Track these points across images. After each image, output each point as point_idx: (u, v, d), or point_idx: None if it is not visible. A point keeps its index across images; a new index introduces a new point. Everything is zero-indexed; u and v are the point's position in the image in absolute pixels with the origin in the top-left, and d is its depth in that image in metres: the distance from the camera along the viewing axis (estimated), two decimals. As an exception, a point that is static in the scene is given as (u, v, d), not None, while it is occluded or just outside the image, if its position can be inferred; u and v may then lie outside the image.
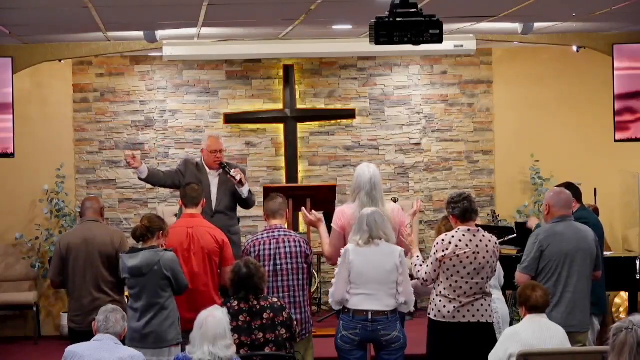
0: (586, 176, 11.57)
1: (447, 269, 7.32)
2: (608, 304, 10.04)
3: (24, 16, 8.39)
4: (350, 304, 7.23)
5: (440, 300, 7.34)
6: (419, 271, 7.44)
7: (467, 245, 7.32)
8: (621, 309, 10.60)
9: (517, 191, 12.31)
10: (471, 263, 7.31)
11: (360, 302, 7.21)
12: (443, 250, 7.33)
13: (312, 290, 10.91)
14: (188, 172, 9.34)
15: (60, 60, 11.25)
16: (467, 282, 7.31)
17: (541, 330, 6.64)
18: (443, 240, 7.38)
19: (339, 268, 7.26)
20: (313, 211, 8.11)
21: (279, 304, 7.07)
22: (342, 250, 7.29)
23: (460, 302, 7.30)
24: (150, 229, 7.52)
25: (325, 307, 11.78)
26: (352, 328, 7.21)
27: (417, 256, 7.55)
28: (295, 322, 7.17)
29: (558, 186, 8.14)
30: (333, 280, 7.33)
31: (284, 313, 7.02)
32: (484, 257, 7.34)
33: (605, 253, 8.90)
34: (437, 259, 7.34)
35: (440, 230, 8.12)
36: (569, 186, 8.28)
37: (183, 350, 7.13)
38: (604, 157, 12.09)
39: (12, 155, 10.18)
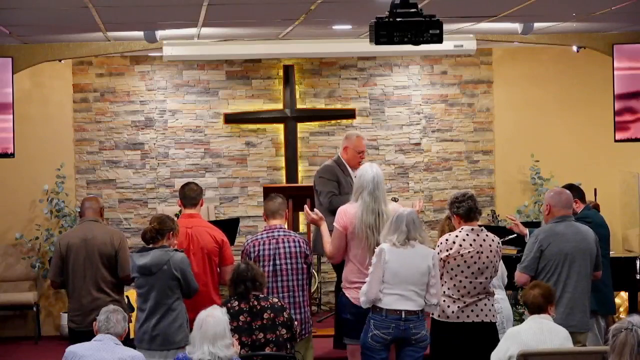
0: (586, 176, 11.58)
1: (451, 269, 7.31)
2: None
3: (24, 16, 8.39)
4: (383, 303, 7.17)
5: (444, 301, 7.33)
6: None
7: (470, 245, 7.31)
8: (621, 309, 10.60)
9: (517, 191, 12.31)
10: (475, 262, 7.30)
11: (394, 302, 7.15)
12: (447, 250, 7.32)
13: (312, 290, 10.91)
14: (339, 178, 9.31)
15: (60, 60, 11.25)
16: (470, 282, 7.30)
17: (542, 332, 6.63)
18: (447, 240, 7.37)
19: (374, 267, 7.19)
20: (315, 210, 8.11)
21: (280, 304, 7.07)
22: (377, 250, 7.22)
23: (465, 302, 7.30)
24: (160, 232, 7.49)
25: (325, 308, 11.78)
26: (385, 327, 7.16)
27: None
28: (295, 323, 7.17)
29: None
30: (367, 279, 7.25)
31: (284, 313, 7.02)
32: (487, 257, 7.34)
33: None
34: (441, 259, 7.33)
35: (444, 229, 8.12)
36: (571, 187, 8.29)
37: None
38: (604, 157, 12.10)
39: (12, 155, 10.18)
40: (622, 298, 10.64)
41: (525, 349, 6.49)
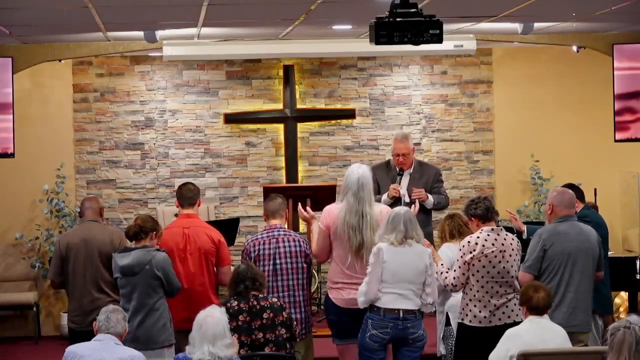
0: (586, 176, 11.57)
1: (477, 271, 7.30)
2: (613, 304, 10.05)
3: (24, 16, 8.39)
4: (381, 302, 7.18)
5: (475, 306, 7.31)
6: (446, 278, 7.42)
7: (493, 245, 7.31)
8: (621, 309, 10.60)
9: (517, 191, 12.31)
10: (499, 262, 7.30)
11: (392, 301, 7.17)
12: (471, 252, 7.31)
13: (312, 290, 10.90)
14: (377, 178, 8.93)
15: (60, 60, 11.25)
16: (497, 282, 7.30)
17: (542, 331, 6.63)
18: (469, 242, 7.35)
19: (372, 267, 7.20)
20: (308, 208, 8.12)
21: (279, 304, 7.08)
22: (375, 249, 7.23)
23: (495, 305, 7.29)
24: (143, 229, 7.51)
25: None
26: (383, 327, 7.17)
27: (442, 264, 7.54)
28: (295, 322, 7.17)
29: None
30: (365, 279, 7.24)
31: (284, 313, 7.02)
32: (510, 255, 7.35)
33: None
34: (465, 261, 7.31)
35: (444, 229, 8.12)
36: (571, 187, 8.29)
37: (177, 351, 7.14)
38: (604, 157, 12.09)
39: (12, 155, 10.18)
40: (622, 298, 10.64)
41: (525, 349, 6.49)
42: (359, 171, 7.69)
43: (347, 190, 7.68)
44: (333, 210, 7.74)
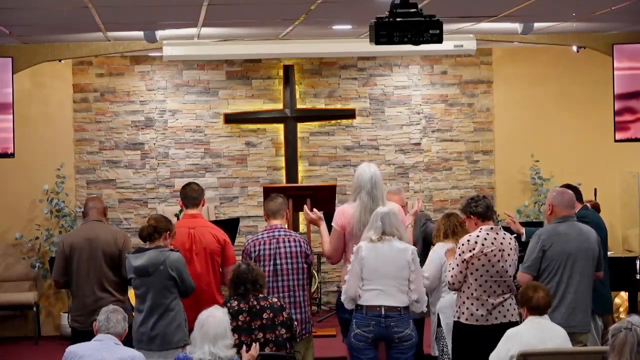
0: (586, 176, 11.58)
1: (476, 269, 7.30)
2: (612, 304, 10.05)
3: (24, 16, 8.40)
4: (363, 300, 7.20)
5: (472, 304, 7.30)
6: (446, 276, 7.42)
7: (492, 244, 7.31)
8: (621, 309, 10.60)
9: (517, 191, 12.31)
10: (498, 261, 7.30)
11: (373, 297, 7.18)
12: (470, 251, 7.30)
13: (312, 290, 10.91)
14: None
15: (60, 60, 11.25)
16: (495, 281, 7.30)
17: (542, 331, 6.63)
18: (468, 240, 7.35)
19: (352, 265, 7.24)
20: (314, 209, 8.10)
21: (279, 304, 7.07)
22: (355, 248, 7.27)
23: (492, 304, 7.29)
24: (157, 229, 7.49)
25: (325, 307, 11.78)
26: (366, 325, 7.18)
27: (449, 263, 7.54)
28: (295, 322, 7.17)
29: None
30: (346, 277, 7.29)
31: (284, 313, 7.02)
32: (509, 254, 7.35)
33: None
34: (464, 260, 7.30)
35: (440, 228, 8.12)
36: (569, 188, 8.29)
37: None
38: (604, 157, 12.10)
39: (12, 155, 10.18)
40: (622, 298, 10.64)
41: (525, 349, 6.49)
42: (370, 170, 7.71)
43: (359, 189, 7.68)
44: (347, 211, 7.74)
